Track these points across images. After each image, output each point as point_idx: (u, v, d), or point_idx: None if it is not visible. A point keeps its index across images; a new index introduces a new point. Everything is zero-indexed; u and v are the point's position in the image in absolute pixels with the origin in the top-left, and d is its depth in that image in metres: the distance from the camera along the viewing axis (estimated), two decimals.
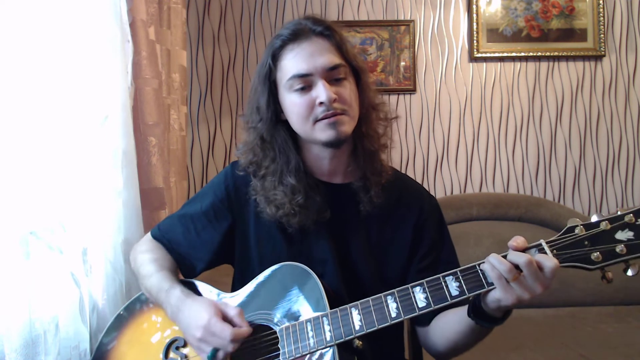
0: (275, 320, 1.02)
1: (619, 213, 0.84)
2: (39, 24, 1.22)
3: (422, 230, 1.15)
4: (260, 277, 1.08)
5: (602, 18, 2.55)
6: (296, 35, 1.05)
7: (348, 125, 1.05)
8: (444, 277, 0.92)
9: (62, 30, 1.29)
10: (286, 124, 1.11)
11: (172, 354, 1.08)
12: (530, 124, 2.62)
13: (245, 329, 0.98)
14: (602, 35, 2.56)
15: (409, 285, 0.94)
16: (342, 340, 0.94)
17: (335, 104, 1.03)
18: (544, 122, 2.62)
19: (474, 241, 2.30)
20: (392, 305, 0.93)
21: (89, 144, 1.37)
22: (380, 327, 0.93)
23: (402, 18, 2.59)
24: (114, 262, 1.42)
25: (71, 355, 1.27)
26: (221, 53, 2.58)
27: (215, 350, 0.97)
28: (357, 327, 0.94)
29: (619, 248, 0.83)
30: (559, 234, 0.87)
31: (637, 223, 0.83)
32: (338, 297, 1.03)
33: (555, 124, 2.62)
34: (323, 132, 1.04)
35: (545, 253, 0.85)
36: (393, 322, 0.93)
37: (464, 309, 0.96)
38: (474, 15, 2.55)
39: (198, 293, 1.13)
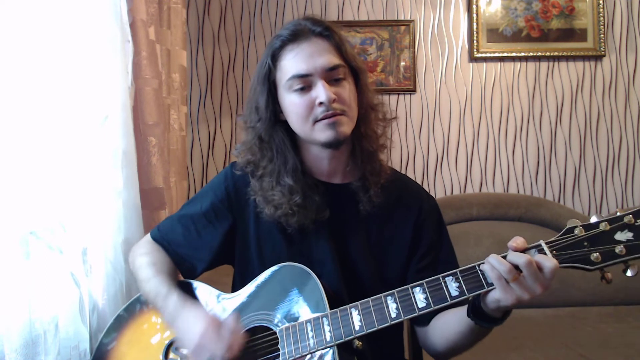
0: (275, 321, 1.02)
1: (618, 214, 0.84)
2: (40, 24, 1.22)
3: (421, 230, 1.15)
4: (260, 278, 1.08)
5: (602, 18, 2.55)
6: (296, 35, 1.05)
7: (347, 126, 1.05)
8: (443, 277, 0.92)
9: (62, 31, 1.29)
10: (285, 124, 1.11)
11: (171, 355, 1.08)
12: (530, 124, 2.62)
13: (239, 340, 0.98)
14: (602, 35, 2.56)
15: (408, 286, 0.94)
16: (342, 340, 0.94)
17: (334, 104, 1.03)
18: (544, 122, 2.62)
19: (474, 241, 2.30)
20: (392, 306, 0.94)
21: (89, 144, 1.37)
22: (380, 327, 0.93)
23: (402, 18, 2.59)
24: (114, 262, 1.42)
25: (71, 355, 1.27)
26: (221, 53, 2.58)
27: None
28: (357, 328, 0.94)
29: (619, 249, 0.83)
30: (558, 235, 0.87)
31: (637, 224, 0.83)
32: (338, 298, 1.03)
33: (555, 124, 2.62)
34: (322, 133, 1.04)
35: (545, 254, 0.85)
36: (393, 322, 0.93)
37: (463, 309, 0.97)
38: (474, 15, 2.55)
39: (196, 295, 1.14)
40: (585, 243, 0.85)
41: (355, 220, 1.13)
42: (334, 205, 1.12)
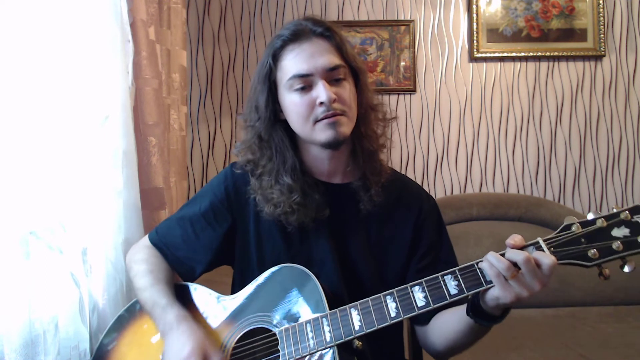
0: (275, 322, 1.02)
1: (614, 210, 0.85)
2: (40, 25, 1.22)
3: (421, 230, 1.15)
4: (260, 279, 1.08)
5: (602, 18, 2.55)
6: (297, 35, 1.06)
7: (347, 127, 1.06)
8: (442, 276, 0.92)
9: (62, 31, 1.29)
10: (284, 123, 1.11)
11: None
12: (530, 124, 2.62)
13: None
14: (602, 35, 2.56)
15: (407, 285, 0.94)
16: (342, 340, 0.94)
17: (334, 104, 1.03)
18: (544, 122, 2.62)
19: (474, 241, 2.30)
20: (392, 305, 0.94)
21: (89, 144, 1.37)
22: (379, 327, 0.93)
23: (402, 18, 2.59)
24: (115, 262, 1.42)
25: (71, 356, 1.27)
26: (221, 53, 2.58)
27: None
28: (356, 328, 0.94)
29: (616, 245, 0.83)
30: (556, 232, 0.88)
31: (633, 220, 0.84)
32: (337, 298, 1.03)
33: (555, 124, 2.62)
34: (322, 133, 1.04)
35: (543, 251, 0.86)
36: (392, 321, 0.93)
37: (462, 308, 0.97)
38: (474, 15, 2.55)
39: (194, 298, 1.13)
40: (583, 240, 0.86)
41: (355, 220, 1.13)
42: (333, 204, 1.12)
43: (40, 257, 1.20)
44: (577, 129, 2.62)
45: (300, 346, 0.97)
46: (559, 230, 0.88)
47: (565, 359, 1.70)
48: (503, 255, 0.86)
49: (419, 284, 0.93)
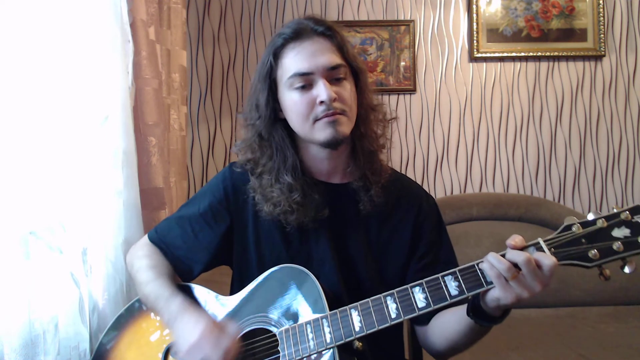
0: (275, 322, 1.02)
1: (615, 211, 0.85)
2: (40, 25, 1.22)
3: (421, 230, 1.15)
4: (259, 279, 1.08)
5: (602, 18, 2.55)
6: (298, 34, 1.06)
7: (346, 126, 1.06)
8: (443, 276, 0.92)
9: (62, 31, 1.29)
10: (284, 122, 1.11)
11: (170, 359, 1.08)
12: (530, 124, 2.62)
13: (237, 346, 0.98)
14: (602, 35, 2.56)
15: (408, 286, 0.94)
16: (342, 341, 0.94)
17: (335, 103, 1.03)
18: (544, 122, 2.62)
19: (474, 241, 2.30)
20: (392, 306, 0.93)
21: (89, 144, 1.37)
22: (380, 328, 0.93)
23: (402, 18, 2.59)
24: (115, 262, 1.42)
25: (71, 356, 1.27)
26: (221, 53, 2.58)
27: None
28: (357, 329, 0.94)
29: (616, 245, 0.83)
30: (556, 232, 0.88)
31: (634, 220, 0.83)
32: (337, 298, 1.03)
33: (555, 124, 2.62)
34: (322, 131, 1.04)
35: (543, 251, 0.85)
36: (393, 322, 0.92)
37: (462, 308, 0.97)
38: (474, 15, 2.55)
39: (195, 298, 1.13)
40: (583, 240, 0.85)
41: (354, 220, 1.13)
42: (333, 204, 1.12)
43: (40, 257, 1.20)
44: (577, 129, 2.62)
45: (300, 347, 0.96)
46: (559, 230, 0.87)
47: (565, 359, 1.70)
48: (504, 256, 0.86)
49: (420, 285, 0.93)
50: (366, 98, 1.12)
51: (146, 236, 1.23)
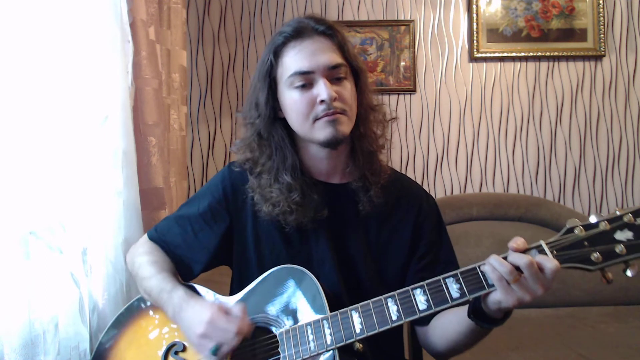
0: (275, 323, 1.02)
1: (617, 213, 0.84)
2: (40, 24, 1.22)
3: (421, 229, 1.15)
4: (259, 280, 1.08)
5: (602, 18, 2.55)
6: (299, 32, 1.05)
7: (346, 126, 1.05)
8: (444, 279, 0.91)
9: (62, 31, 1.29)
10: (284, 121, 1.10)
11: (171, 359, 1.07)
12: (530, 124, 2.62)
13: (248, 322, 0.97)
14: (602, 35, 2.56)
15: (409, 288, 0.93)
16: (342, 343, 0.93)
17: (335, 102, 1.02)
18: (544, 122, 2.62)
19: (474, 241, 2.30)
20: (393, 308, 0.93)
21: (89, 144, 1.37)
22: (381, 330, 0.93)
23: (402, 18, 2.59)
24: (115, 262, 1.42)
25: (71, 356, 1.27)
26: (221, 53, 2.58)
27: (217, 347, 0.95)
28: (357, 330, 0.93)
29: (619, 248, 0.83)
30: (558, 235, 0.87)
31: (636, 223, 0.83)
32: (337, 299, 1.03)
33: (555, 124, 2.62)
34: (322, 131, 1.04)
35: (545, 254, 0.85)
36: (394, 324, 0.92)
37: (463, 309, 0.96)
38: (474, 15, 2.55)
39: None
40: (586, 243, 0.85)
41: (354, 220, 1.13)
42: (332, 205, 1.11)
43: (40, 257, 1.20)
44: (577, 129, 2.62)
45: (300, 348, 0.96)
46: (561, 233, 0.87)
47: (565, 359, 1.70)
48: (505, 258, 0.86)
49: (421, 287, 0.92)
50: (366, 98, 1.12)
51: (146, 235, 1.23)
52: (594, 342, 1.80)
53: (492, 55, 2.57)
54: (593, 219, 0.85)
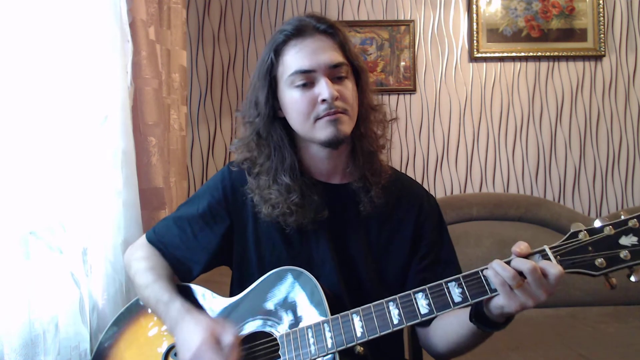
0: (275, 325, 1.01)
1: (622, 217, 0.83)
2: (39, 24, 1.22)
3: (422, 229, 1.14)
4: (259, 281, 1.07)
5: (602, 18, 2.55)
6: (300, 31, 1.04)
7: (347, 125, 1.04)
8: (446, 283, 0.90)
9: (62, 30, 1.29)
10: (283, 121, 1.09)
11: (171, 359, 1.07)
12: (530, 124, 2.62)
13: (236, 355, 0.97)
14: (602, 35, 2.56)
15: (410, 292, 0.93)
16: (343, 347, 0.93)
17: (336, 102, 1.02)
18: (544, 122, 2.62)
19: (474, 241, 2.30)
20: (394, 312, 0.92)
21: (89, 144, 1.37)
22: (382, 334, 0.92)
23: (402, 18, 2.59)
24: (114, 262, 1.42)
25: (71, 356, 1.27)
26: (221, 53, 2.57)
27: None
28: (358, 334, 0.93)
29: (623, 254, 0.82)
30: (562, 240, 0.86)
31: None
32: (338, 299, 1.02)
33: (555, 124, 2.62)
34: (323, 130, 1.03)
35: (549, 259, 0.84)
36: (395, 328, 0.92)
37: (465, 312, 0.96)
38: (474, 15, 2.55)
39: (194, 299, 1.12)
40: (590, 248, 0.84)
41: (354, 220, 1.12)
42: (333, 205, 1.11)
43: (40, 257, 1.20)
44: (577, 129, 2.61)
45: (301, 352, 0.95)
46: (565, 237, 0.86)
47: (565, 359, 1.70)
48: (508, 263, 0.85)
49: (422, 291, 0.92)
50: (367, 98, 1.11)
51: (144, 236, 1.22)
52: (594, 342, 1.81)
53: (492, 55, 2.57)
54: (597, 224, 0.84)
